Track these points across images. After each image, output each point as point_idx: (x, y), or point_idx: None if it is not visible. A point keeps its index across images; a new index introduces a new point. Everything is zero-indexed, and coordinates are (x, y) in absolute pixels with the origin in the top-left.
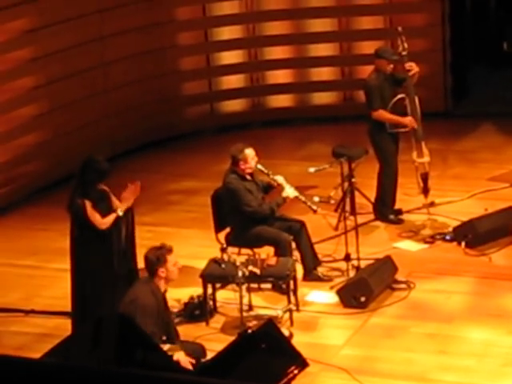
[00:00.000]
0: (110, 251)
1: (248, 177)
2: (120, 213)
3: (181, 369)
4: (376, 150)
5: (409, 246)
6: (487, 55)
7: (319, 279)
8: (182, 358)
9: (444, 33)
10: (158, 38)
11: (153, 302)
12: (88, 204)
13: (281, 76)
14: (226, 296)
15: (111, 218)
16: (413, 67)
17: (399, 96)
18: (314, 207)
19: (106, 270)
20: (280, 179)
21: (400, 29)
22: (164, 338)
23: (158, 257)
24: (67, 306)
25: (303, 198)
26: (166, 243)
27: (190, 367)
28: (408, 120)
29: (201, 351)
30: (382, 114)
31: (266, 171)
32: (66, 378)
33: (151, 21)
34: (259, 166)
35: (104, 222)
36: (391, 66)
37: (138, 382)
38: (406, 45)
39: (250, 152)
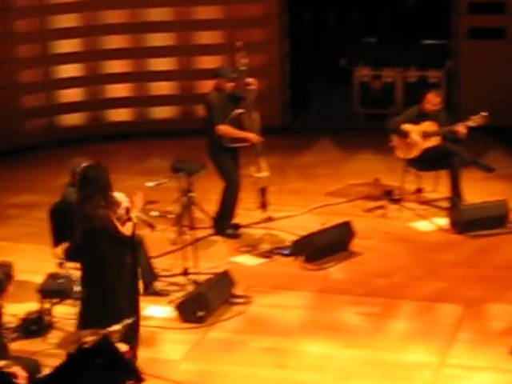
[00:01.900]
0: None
1: None
2: (135, 220)
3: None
4: (217, 167)
5: (247, 260)
6: (326, 71)
7: (157, 294)
8: (19, 371)
9: (282, 48)
10: None
11: None
12: (112, 214)
13: (120, 90)
14: (63, 311)
15: (130, 225)
16: (252, 83)
17: (238, 111)
18: (152, 224)
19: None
20: (119, 195)
21: (240, 44)
22: None
23: (7, 273)
24: None
25: (142, 216)
26: (3, 259)
27: (25, 382)
28: (253, 136)
29: (35, 367)
30: (227, 129)
31: None
32: None
33: None
34: None
35: (128, 230)
36: (231, 84)
37: None
38: (245, 60)
39: None
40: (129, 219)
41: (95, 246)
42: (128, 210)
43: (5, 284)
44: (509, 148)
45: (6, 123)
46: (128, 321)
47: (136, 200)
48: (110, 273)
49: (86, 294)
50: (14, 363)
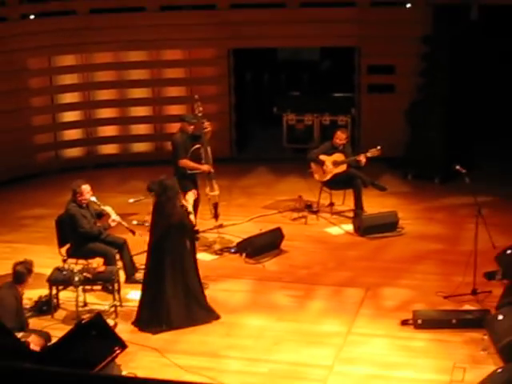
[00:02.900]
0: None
1: (84, 206)
2: (191, 209)
3: (30, 350)
4: (181, 188)
5: (204, 256)
6: (262, 117)
7: (137, 282)
8: (34, 339)
9: (230, 100)
10: (16, 102)
11: (13, 303)
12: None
13: (109, 130)
14: (66, 295)
15: (192, 217)
16: (207, 125)
17: (196, 146)
18: (133, 230)
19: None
20: (108, 209)
21: (196, 96)
22: (19, 328)
23: (28, 268)
24: None
25: (125, 224)
26: (24, 257)
27: (38, 348)
28: (206, 167)
29: (47, 337)
30: (186, 163)
31: (97, 202)
32: None
33: (10, 87)
34: (93, 198)
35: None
36: (191, 127)
37: None
38: (200, 108)
39: (85, 187)
40: (189, 213)
41: (171, 240)
42: (112, 223)
43: (26, 276)
44: (397, 173)
45: (22, 156)
46: (115, 302)
47: (188, 196)
48: (177, 263)
49: (152, 281)
50: (32, 333)
